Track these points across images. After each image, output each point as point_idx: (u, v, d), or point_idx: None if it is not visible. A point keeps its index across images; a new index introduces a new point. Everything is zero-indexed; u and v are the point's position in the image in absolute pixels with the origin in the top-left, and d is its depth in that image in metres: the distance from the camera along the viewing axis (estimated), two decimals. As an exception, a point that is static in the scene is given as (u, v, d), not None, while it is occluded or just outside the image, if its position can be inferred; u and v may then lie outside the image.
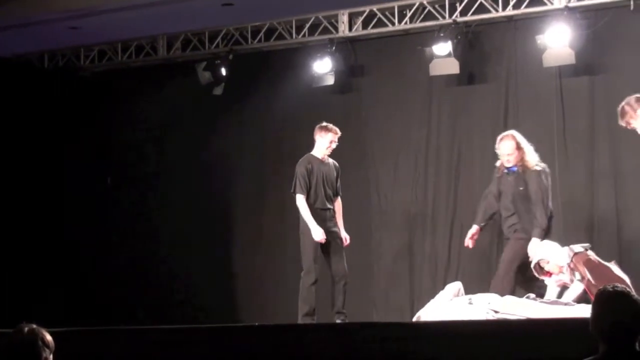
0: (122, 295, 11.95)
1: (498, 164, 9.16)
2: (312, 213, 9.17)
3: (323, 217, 9.26)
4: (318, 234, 9.09)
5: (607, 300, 4.10)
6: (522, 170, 8.94)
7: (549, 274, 8.57)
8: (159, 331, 8.11)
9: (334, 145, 9.33)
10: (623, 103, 8.10)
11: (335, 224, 9.36)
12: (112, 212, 12.53)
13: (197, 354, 7.28)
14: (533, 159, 8.98)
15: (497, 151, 9.10)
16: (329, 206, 9.32)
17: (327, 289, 9.30)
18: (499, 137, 9.09)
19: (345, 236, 9.39)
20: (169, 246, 12.14)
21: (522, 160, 8.95)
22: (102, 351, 7.48)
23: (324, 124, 9.37)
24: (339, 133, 9.34)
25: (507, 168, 9.01)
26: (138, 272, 12.11)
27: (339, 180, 9.47)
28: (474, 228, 9.23)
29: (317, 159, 9.35)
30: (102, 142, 12.68)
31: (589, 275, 8.04)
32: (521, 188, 8.92)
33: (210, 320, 10.40)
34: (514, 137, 8.98)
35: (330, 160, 9.45)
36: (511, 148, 8.93)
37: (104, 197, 12.63)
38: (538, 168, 8.95)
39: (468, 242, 9.24)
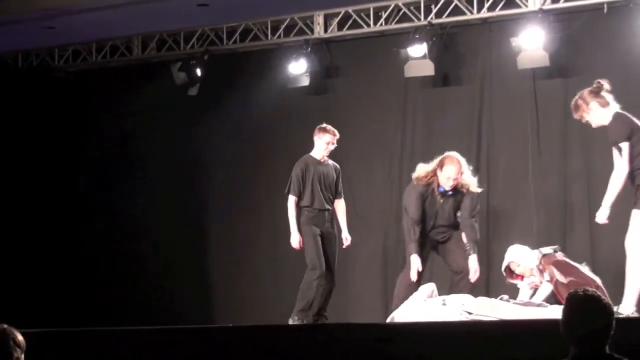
0: (96, 295, 11.92)
1: (415, 176, 8.91)
2: (310, 214, 9.24)
3: (322, 218, 9.30)
4: (295, 240, 9.19)
5: (577, 304, 4.12)
6: (466, 191, 8.82)
7: (521, 277, 8.60)
8: (137, 332, 8.10)
9: (331, 147, 9.36)
10: (576, 96, 7.93)
11: (334, 226, 9.39)
12: (84, 212, 12.48)
13: (171, 354, 7.27)
14: (473, 181, 8.88)
15: (432, 170, 8.83)
16: (328, 207, 9.34)
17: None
18: (439, 158, 8.82)
19: (346, 236, 9.42)
20: (144, 245, 12.10)
21: (460, 183, 8.78)
22: (83, 351, 7.49)
23: (323, 125, 9.41)
24: (337, 135, 9.37)
25: (445, 190, 8.79)
26: (114, 272, 12.06)
27: (339, 181, 9.49)
28: (417, 260, 8.69)
29: (315, 159, 9.39)
30: (75, 142, 12.63)
31: (557, 276, 8.08)
32: (467, 203, 8.82)
33: (184, 320, 10.39)
34: (459, 162, 8.77)
35: (330, 162, 9.49)
36: (456, 172, 8.74)
37: (77, 197, 12.58)
38: (478, 191, 8.89)
39: (414, 277, 8.69)
